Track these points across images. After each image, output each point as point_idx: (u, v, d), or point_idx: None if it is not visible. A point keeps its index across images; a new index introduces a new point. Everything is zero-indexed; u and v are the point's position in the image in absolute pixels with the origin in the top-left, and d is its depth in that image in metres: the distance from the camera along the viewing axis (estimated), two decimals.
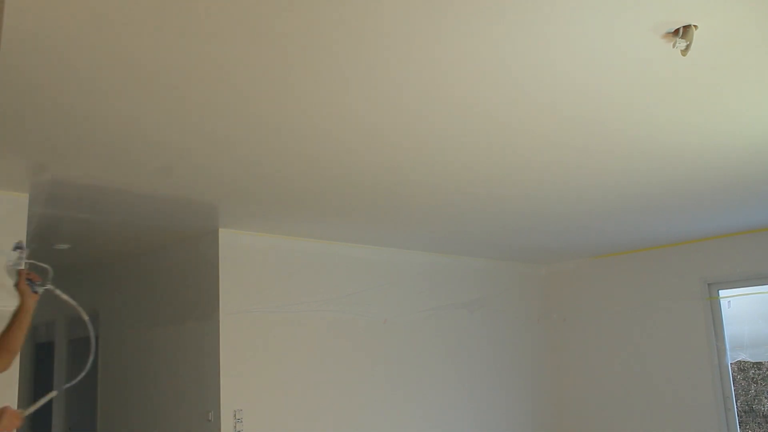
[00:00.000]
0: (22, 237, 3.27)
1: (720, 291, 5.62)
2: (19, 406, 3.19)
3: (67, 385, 2.84)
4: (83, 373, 3.00)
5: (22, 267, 2.99)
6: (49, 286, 3.01)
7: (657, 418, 5.80)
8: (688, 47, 2.02)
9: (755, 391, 5.61)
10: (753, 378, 5.65)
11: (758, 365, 5.60)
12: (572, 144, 3.03)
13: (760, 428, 5.53)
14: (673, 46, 2.03)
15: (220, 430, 4.05)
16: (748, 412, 5.59)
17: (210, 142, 2.75)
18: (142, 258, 5.09)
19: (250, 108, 2.43)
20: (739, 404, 5.52)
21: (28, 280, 2.88)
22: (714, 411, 5.46)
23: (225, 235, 4.33)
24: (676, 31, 1.99)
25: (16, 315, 2.79)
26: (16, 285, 2.87)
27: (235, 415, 4.12)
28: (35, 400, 2.67)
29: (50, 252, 4.78)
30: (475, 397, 5.70)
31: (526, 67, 2.21)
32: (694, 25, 1.96)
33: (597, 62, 2.21)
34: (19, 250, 3.06)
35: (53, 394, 2.83)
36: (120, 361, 5.28)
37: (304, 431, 4.47)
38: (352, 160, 3.09)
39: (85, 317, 3.09)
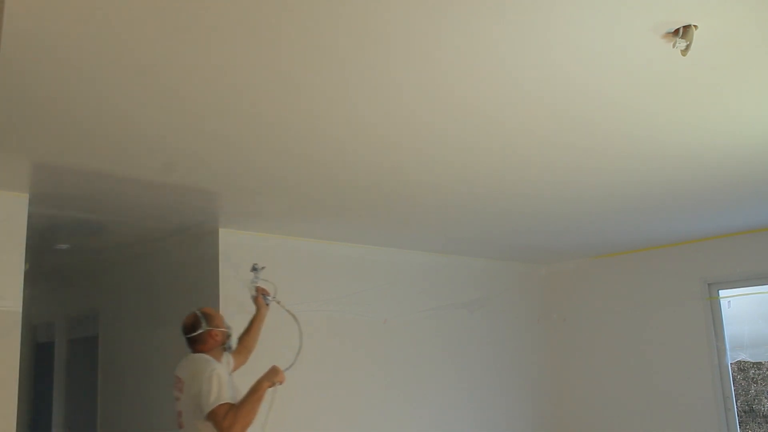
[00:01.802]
0: (22, 237, 3.28)
1: (720, 291, 5.62)
2: (19, 406, 3.20)
3: (287, 367, 3.49)
4: (294, 361, 3.66)
5: (258, 284, 3.82)
6: (276, 299, 3.81)
7: (657, 418, 5.80)
8: (688, 47, 2.02)
9: (755, 391, 5.61)
10: (753, 378, 5.65)
11: (758, 365, 5.60)
12: (572, 144, 3.03)
13: (760, 428, 5.53)
14: (673, 46, 2.03)
15: None
16: (748, 412, 5.59)
17: (211, 141, 2.75)
18: (142, 258, 5.09)
19: (251, 108, 2.43)
20: (739, 404, 5.52)
21: (262, 294, 3.78)
22: (714, 411, 5.46)
23: (225, 235, 4.33)
24: (676, 31, 1.99)
25: (254, 322, 3.72)
26: (254, 298, 3.78)
27: None
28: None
29: (50, 252, 4.79)
30: (475, 397, 5.70)
31: (526, 67, 2.21)
32: (694, 25, 1.96)
33: (597, 62, 2.21)
34: (255, 272, 3.85)
35: (297, 355, 3.67)
36: (120, 361, 5.27)
37: (304, 431, 4.47)
38: (352, 160, 3.09)
39: (298, 323, 3.74)
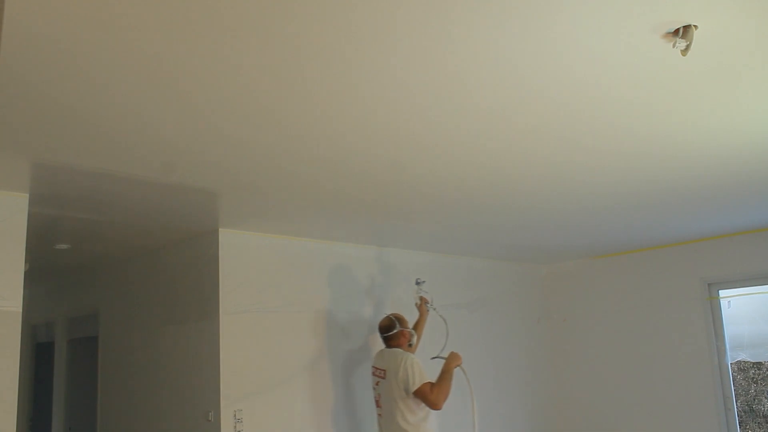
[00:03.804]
0: (22, 237, 3.28)
1: (720, 291, 5.62)
2: (19, 406, 3.20)
3: (434, 356, 4.51)
4: (441, 352, 4.52)
5: (423, 295, 4.88)
6: (433, 306, 4.87)
7: (657, 418, 5.81)
8: (688, 47, 2.02)
9: (755, 391, 5.61)
10: (753, 378, 5.65)
11: (758, 365, 5.60)
12: (573, 141, 3.03)
13: (760, 428, 5.53)
14: (673, 46, 2.03)
15: (220, 430, 4.05)
16: (748, 412, 5.59)
17: (211, 141, 2.75)
18: (142, 258, 5.09)
19: (253, 107, 2.43)
20: (739, 404, 5.52)
21: (425, 302, 4.85)
22: (714, 411, 5.46)
23: (225, 235, 4.33)
24: (676, 31, 1.99)
25: (418, 323, 4.74)
26: (417, 305, 4.85)
27: (235, 415, 4.12)
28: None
29: (50, 252, 4.79)
30: (475, 396, 5.70)
31: (529, 67, 2.21)
32: (694, 25, 1.96)
33: (598, 62, 2.21)
34: (418, 285, 4.94)
35: (443, 348, 4.59)
36: (120, 361, 5.28)
37: (303, 431, 4.47)
38: (353, 159, 3.08)
39: (447, 324, 4.77)
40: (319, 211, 4.03)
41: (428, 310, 4.81)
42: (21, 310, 3.23)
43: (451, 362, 4.16)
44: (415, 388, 3.92)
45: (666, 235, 5.42)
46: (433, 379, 4.01)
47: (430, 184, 3.56)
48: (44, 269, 5.58)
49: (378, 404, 4.18)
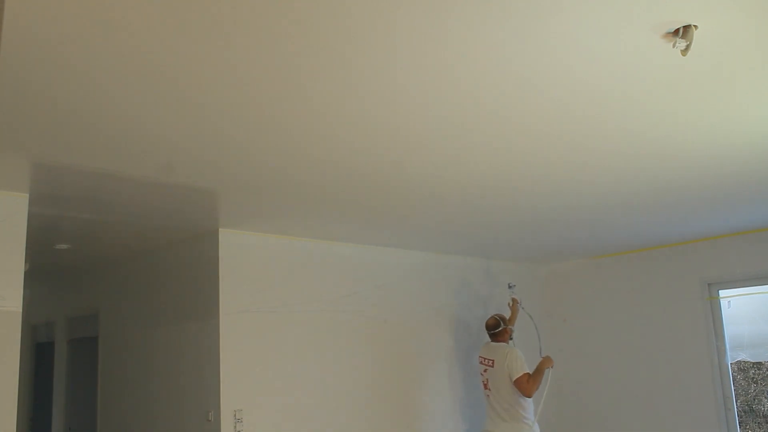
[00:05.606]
0: (22, 237, 3.28)
1: (720, 291, 5.62)
2: (19, 407, 3.20)
3: (540, 348, 5.46)
4: (540, 344, 5.53)
5: (514, 296, 5.57)
6: (522, 305, 5.55)
7: (657, 418, 5.80)
8: (688, 47, 2.02)
9: (755, 391, 5.61)
10: (753, 378, 5.65)
11: (758, 365, 5.60)
12: (573, 143, 3.03)
13: (760, 428, 5.53)
14: (673, 46, 2.03)
15: (220, 430, 4.05)
16: (748, 412, 5.59)
17: (211, 141, 2.75)
18: (142, 258, 5.09)
19: (253, 107, 2.43)
20: (739, 404, 5.52)
21: (516, 303, 5.53)
22: (714, 411, 5.46)
23: (225, 235, 4.33)
24: (676, 31, 1.99)
25: (510, 319, 5.34)
26: (509, 305, 5.53)
27: (235, 415, 4.12)
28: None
29: (50, 252, 4.79)
30: (475, 396, 5.70)
31: (529, 67, 2.21)
32: (694, 25, 1.96)
33: (598, 62, 2.21)
34: (510, 288, 5.66)
35: (540, 343, 5.55)
36: (120, 361, 5.28)
37: (303, 431, 4.47)
38: (353, 160, 3.09)
39: (534, 322, 5.60)
40: (319, 211, 4.02)
41: (519, 310, 5.49)
42: (21, 310, 3.23)
43: (545, 363, 4.99)
44: (516, 376, 4.76)
45: (666, 235, 5.42)
46: (530, 371, 4.83)
47: (429, 184, 3.56)
48: (44, 269, 5.58)
49: (486, 387, 5.02)
